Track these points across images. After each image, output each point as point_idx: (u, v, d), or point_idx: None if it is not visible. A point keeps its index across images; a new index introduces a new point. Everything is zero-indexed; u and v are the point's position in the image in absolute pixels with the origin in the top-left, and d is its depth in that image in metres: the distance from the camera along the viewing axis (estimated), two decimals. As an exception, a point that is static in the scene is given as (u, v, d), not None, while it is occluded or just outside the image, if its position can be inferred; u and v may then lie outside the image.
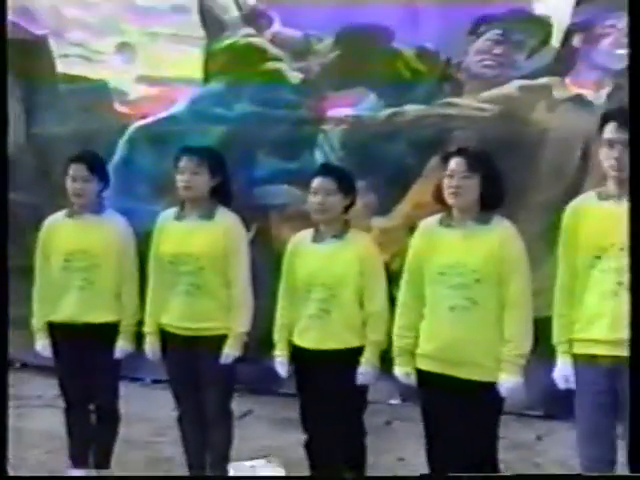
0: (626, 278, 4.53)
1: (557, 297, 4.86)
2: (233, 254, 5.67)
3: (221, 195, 5.74)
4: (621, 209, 4.58)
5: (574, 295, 4.77)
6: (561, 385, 4.78)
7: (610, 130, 4.61)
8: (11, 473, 5.56)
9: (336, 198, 5.37)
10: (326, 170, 5.64)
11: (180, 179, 5.66)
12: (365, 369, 5.32)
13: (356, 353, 5.34)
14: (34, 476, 5.57)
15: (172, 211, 5.80)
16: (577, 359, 4.74)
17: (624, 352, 4.53)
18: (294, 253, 5.53)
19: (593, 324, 4.66)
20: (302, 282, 5.45)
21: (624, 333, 4.53)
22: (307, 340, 5.43)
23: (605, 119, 4.68)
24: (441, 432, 4.98)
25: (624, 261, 4.55)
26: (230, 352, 5.65)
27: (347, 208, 5.46)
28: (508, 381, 4.84)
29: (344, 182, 5.42)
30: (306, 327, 5.43)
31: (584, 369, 4.70)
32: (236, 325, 5.68)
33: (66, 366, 5.99)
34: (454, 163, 4.90)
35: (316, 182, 5.40)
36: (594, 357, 4.65)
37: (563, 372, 4.78)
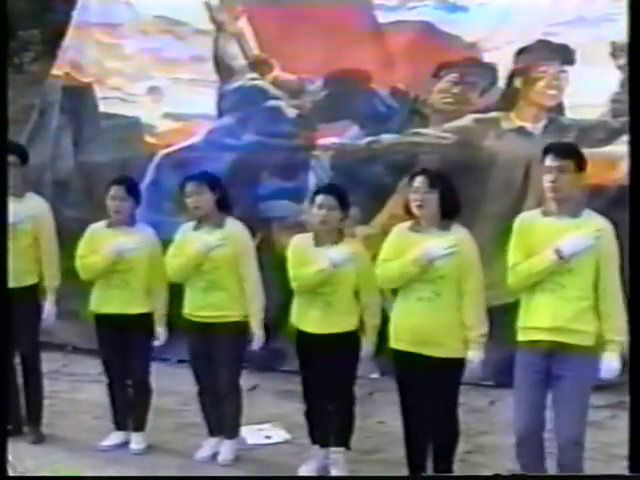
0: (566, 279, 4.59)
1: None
2: (243, 254, 5.70)
3: (224, 206, 5.77)
4: (560, 224, 4.63)
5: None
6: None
7: (548, 160, 4.63)
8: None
9: (336, 213, 5.39)
10: (329, 189, 5.63)
11: (189, 201, 5.69)
12: (367, 347, 5.42)
13: (351, 336, 5.41)
14: (34, 476, 5.51)
15: (191, 224, 5.84)
16: (520, 345, 4.74)
17: (558, 338, 4.59)
18: (297, 253, 5.54)
19: (535, 314, 4.68)
20: None
21: (558, 322, 4.58)
22: (312, 326, 5.46)
23: (545, 151, 4.70)
24: (413, 400, 5.00)
25: (560, 266, 4.60)
26: (258, 334, 5.72)
27: (342, 220, 5.49)
28: (476, 356, 4.91)
29: (343, 200, 5.45)
30: (312, 315, 5.46)
31: (525, 353, 4.69)
32: (256, 312, 5.71)
33: (108, 349, 6.03)
34: (417, 181, 4.94)
35: (321, 199, 5.41)
36: (535, 342, 4.65)
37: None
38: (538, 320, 4.65)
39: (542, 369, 4.63)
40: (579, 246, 4.54)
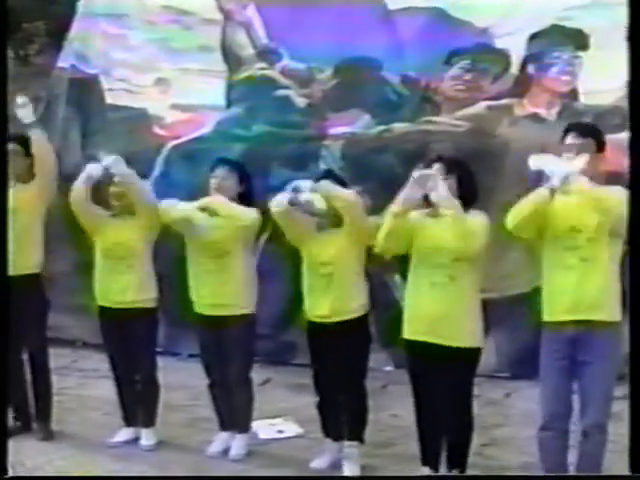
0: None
1: None
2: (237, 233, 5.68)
3: (246, 200, 5.76)
4: (569, 199, 4.57)
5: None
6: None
7: (569, 138, 4.61)
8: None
9: None
10: (327, 174, 5.71)
11: (213, 182, 5.71)
12: None
13: (358, 322, 5.38)
14: (34, 476, 5.51)
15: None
16: (545, 329, 4.68)
17: (583, 315, 4.51)
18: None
19: (557, 294, 4.61)
20: None
21: (582, 298, 4.51)
22: (317, 314, 5.42)
23: (567, 130, 4.69)
24: (426, 392, 4.96)
25: (577, 241, 4.56)
26: None
27: None
28: None
29: (341, 184, 5.47)
30: (316, 303, 5.43)
31: (550, 338, 4.64)
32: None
33: (112, 343, 6.01)
34: (434, 168, 4.92)
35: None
36: (559, 325, 4.58)
37: None
38: (561, 300, 4.59)
39: (567, 355, 4.58)
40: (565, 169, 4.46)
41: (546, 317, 4.68)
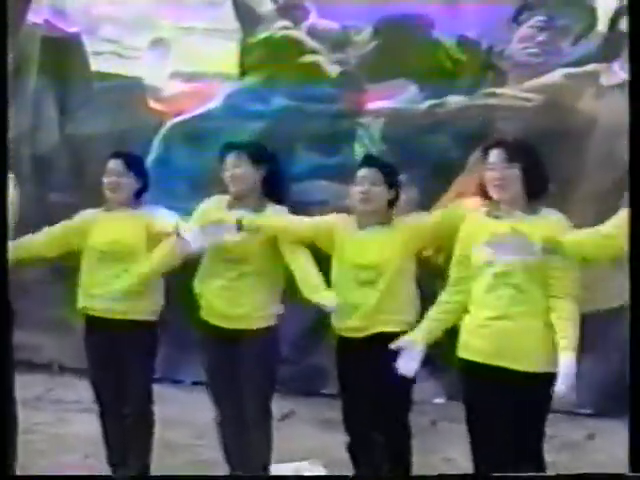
0: None
1: None
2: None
3: (270, 187, 5.73)
4: None
5: None
6: None
7: None
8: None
9: (380, 188, 5.38)
10: (371, 160, 5.68)
11: (226, 175, 5.69)
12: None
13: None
14: (35, 475, 5.68)
15: (225, 198, 5.77)
16: None
17: None
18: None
19: None
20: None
21: None
22: (348, 327, 5.40)
23: None
24: (486, 427, 4.88)
25: None
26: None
27: (391, 203, 5.45)
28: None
29: (389, 174, 5.44)
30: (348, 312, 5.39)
31: None
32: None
33: (98, 367, 5.97)
34: (493, 155, 4.89)
35: (361, 172, 5.42)
36: None
37: None
38: None
39: None
40: None
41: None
